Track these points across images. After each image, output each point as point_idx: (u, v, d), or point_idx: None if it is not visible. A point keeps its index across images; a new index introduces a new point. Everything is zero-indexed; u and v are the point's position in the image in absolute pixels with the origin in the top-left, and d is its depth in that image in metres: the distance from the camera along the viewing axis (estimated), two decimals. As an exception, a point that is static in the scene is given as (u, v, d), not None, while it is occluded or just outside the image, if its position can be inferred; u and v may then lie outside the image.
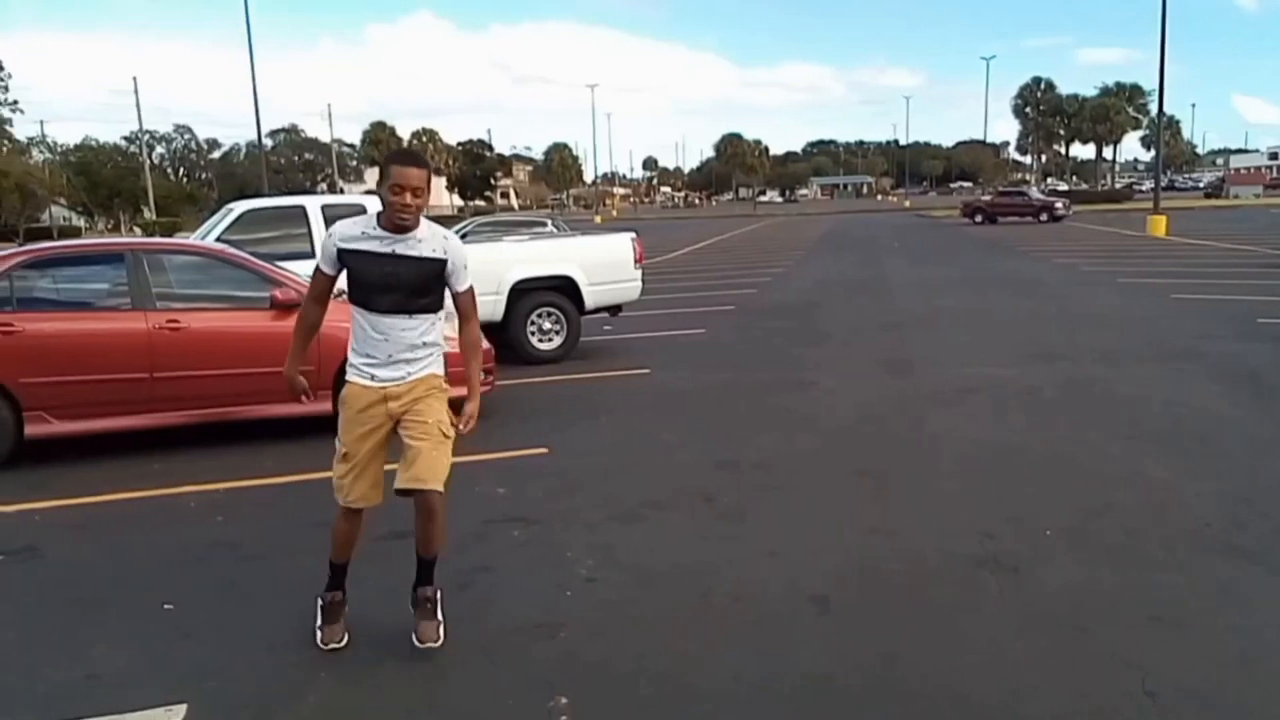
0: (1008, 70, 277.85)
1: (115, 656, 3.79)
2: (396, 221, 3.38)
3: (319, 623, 3.78)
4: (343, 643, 3.72)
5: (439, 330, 3.64)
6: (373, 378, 3.52)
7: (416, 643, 3.59)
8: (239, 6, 37.49)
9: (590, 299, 10.87)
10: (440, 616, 3.66)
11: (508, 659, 3.65)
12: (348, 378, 3.56)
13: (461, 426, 3.66)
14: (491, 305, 10.31)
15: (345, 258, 3.45)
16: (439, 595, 3.70)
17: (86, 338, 6.78)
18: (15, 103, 79.42)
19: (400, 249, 3.41)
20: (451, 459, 3.67)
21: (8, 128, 79.46)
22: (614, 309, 11.57)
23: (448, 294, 3.61)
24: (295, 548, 4.99)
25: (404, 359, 3.53)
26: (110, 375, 6.69)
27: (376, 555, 4.82)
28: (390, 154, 3.53)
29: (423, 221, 3.48)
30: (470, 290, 3.62)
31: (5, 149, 74.48)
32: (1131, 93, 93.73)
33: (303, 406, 7.09)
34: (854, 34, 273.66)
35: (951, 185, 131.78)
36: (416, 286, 3.45)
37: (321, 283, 3.59)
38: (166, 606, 4.26)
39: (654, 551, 4.75)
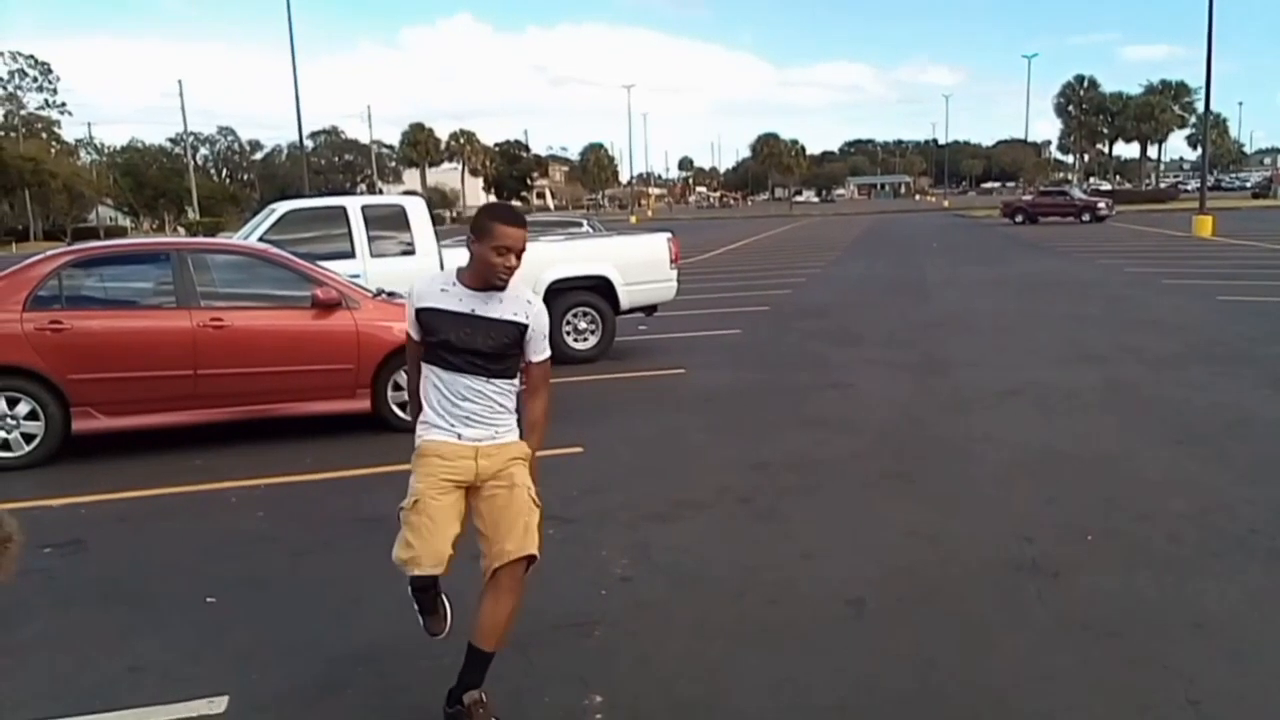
0: (1050, 68, 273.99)
1: (159, 648, 3.86)
2: (495, 283, 3.08)
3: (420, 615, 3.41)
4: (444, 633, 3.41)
5: (514, 390, 3.25)
6: (460, 436, 3.15)
7: None
8: (282, 11, 38.09)
9: (625, 299, 10.88)
10: None
11: (543, 657, 3.67)
12: (426, 437, 3.19)
13: None
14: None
15: (422, 316, 3.14)
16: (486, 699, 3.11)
17: (133, 335, 6.91)
18: (64, 105, 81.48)
19: (480, 310, 3.09)
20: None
21: (56, 129, 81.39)
22: (649, 309, 11.57)
23: None
24: (334, 543, 5.06)
25: (486, 420, 3.15)
26: (155, 372, 6.81)
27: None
28: (492, 210, 3.16)
29: (509, 285, 3.14)
30: (546, 362, 3.26)
31: (54, 150, 76.21)
32: (1177, 90, 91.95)
33: (342, 404, 7.26)
34: (893, 32, 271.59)
35: (988, 185, 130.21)
36: (494, 350, 3.11)
37: (413, 349, 3.28)
38: (209, 600, 4.33)
39: (689, 552, 4.75)
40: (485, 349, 3.09)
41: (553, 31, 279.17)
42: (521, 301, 3.15)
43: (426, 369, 3.18)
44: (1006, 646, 3.63)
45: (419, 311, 3.15)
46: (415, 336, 3.22)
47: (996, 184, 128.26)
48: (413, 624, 3.93)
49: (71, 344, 6.67)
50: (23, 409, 6.60)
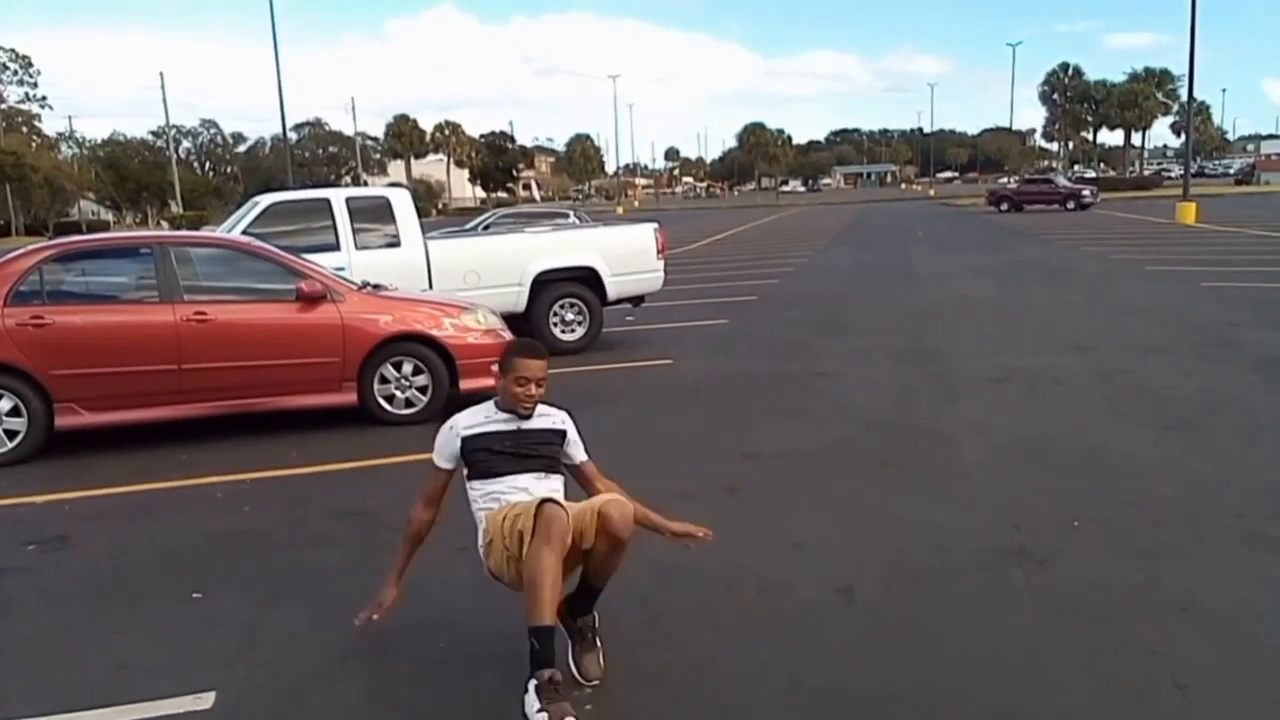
0: (1035, 56, 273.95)
1: (144, 645, 3.83)
2: (521, 411, 3.52)
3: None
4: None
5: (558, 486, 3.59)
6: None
7: (580, 678, 3.34)
8: (264, 2, 37.76)
9: (613, 290, 10.86)
10: (600, 644, 3.45)
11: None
12: (500, 516, 3.34)
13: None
14: (514, 296, 10.34)
15: (471, 442, 3.49)
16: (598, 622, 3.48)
17: (115, 330, 6.86)
18: (44, 99, 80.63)
19: (524, 425, 3.55)
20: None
21: (37, 123, 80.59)
22: (636, 300, 11.56)
23: None
24: (320, 537, 5.03)
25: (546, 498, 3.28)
26: (139, 367, 6.76)
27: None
28: (513, 345, 3.64)
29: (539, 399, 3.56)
30: (591, 462, 3.74)
31: (35, 144, 75.45)
32: (1161, 78, 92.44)
33: (328, 398, 7.22)
34: (880, 21, 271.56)
35: (971, 175, 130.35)
36: (542, 452, 3.56)
37: (439, 480, 3.58)
38: (195, 595, 4.30)
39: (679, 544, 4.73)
40: (535, 451, 3.54)
41: (538, 21, 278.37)
42: (557, 415, 3.66)
43: (481, 486, 3.50)
44: (995, 633, 3.64)
45: (466, 439, 3.50)
46: (447, 466, 3.55)
47: (967, 174, 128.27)
48: (400, 618, 3.92)
49: (53, 339, 6.61)
50: (5, 405, 6.55)
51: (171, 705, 3.30)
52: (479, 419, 3.55)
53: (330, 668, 3.57)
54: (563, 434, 3.63)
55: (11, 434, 6.58)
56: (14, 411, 6.56)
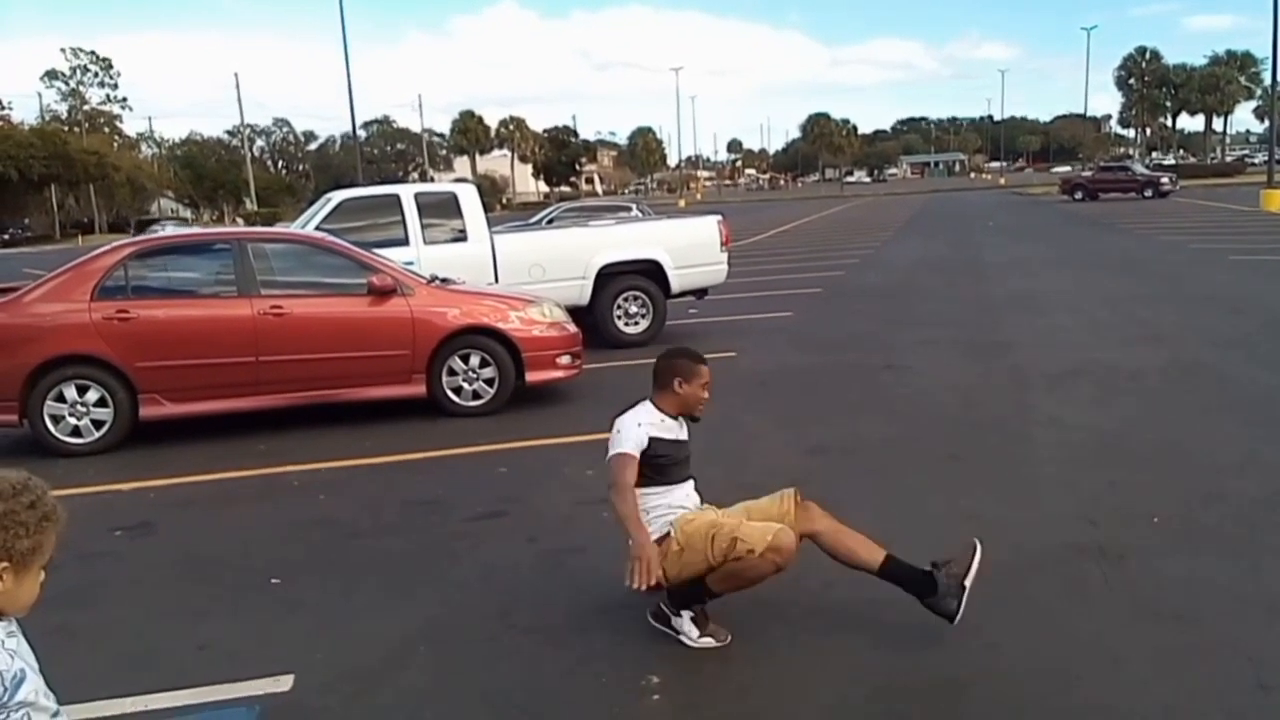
0: (1110, 41, 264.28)
1: (225, 628, 3.96)
2: (697, 415, 3.81)
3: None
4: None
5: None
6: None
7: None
8: (333, 3, 38.49)
9: (676, 282, 10.85)
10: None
11: (600, 638, 3.69)
12: (677, 522, 3.64)
13: None
14: (578, 289, 10.40)
15: (654, 444, 3.65)
16: None
17: (196, 323, 7.08)
18: (125, 100, 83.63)
19: (684, 435, 3.80)
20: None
21: (118, 124, 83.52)
22: (700, 292, 11.53)
23: None
24: (393, 525, 5.14)
25: (691, 505, 3.76)
26: (218, 359, 6.97)
27: (470, 536, 4.93)
28: (687, 353, 3.87)
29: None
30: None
31: (116, 144, 78.19)
32: (1243, 61, 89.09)
33: (398, 389, 7.35)
34: (944, 7, 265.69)
35: (1040, 165, 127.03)
36: (689, 460, 3.84)
37: (633, 466, 3.62)
38: (273, 581, 4.42)
39: (744, 535, 4.73)
40: (687, 460, 3.81)
41: (598, 16, 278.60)
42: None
43: (660, 493, 3.68)
44: (1072, 631, 3.56)
45: (653, 439, 3.64)
46: (636, 453, 3.60)
47: (1039, 163, 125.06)
48: (472, 604, 3.99)
49: (137, 333, 6.85)
50: (92, 396, 6.80)
51: (252, 687, 3.41)
52: (657, 420, 3.69)
53: (404, 652, 3.65)
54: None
55: (99, 424, 6.83)
56: (101, 402, 6.81)
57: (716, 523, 3.54)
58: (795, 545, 3.47)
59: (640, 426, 3.66)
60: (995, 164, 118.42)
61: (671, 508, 3.67)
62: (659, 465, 3.66)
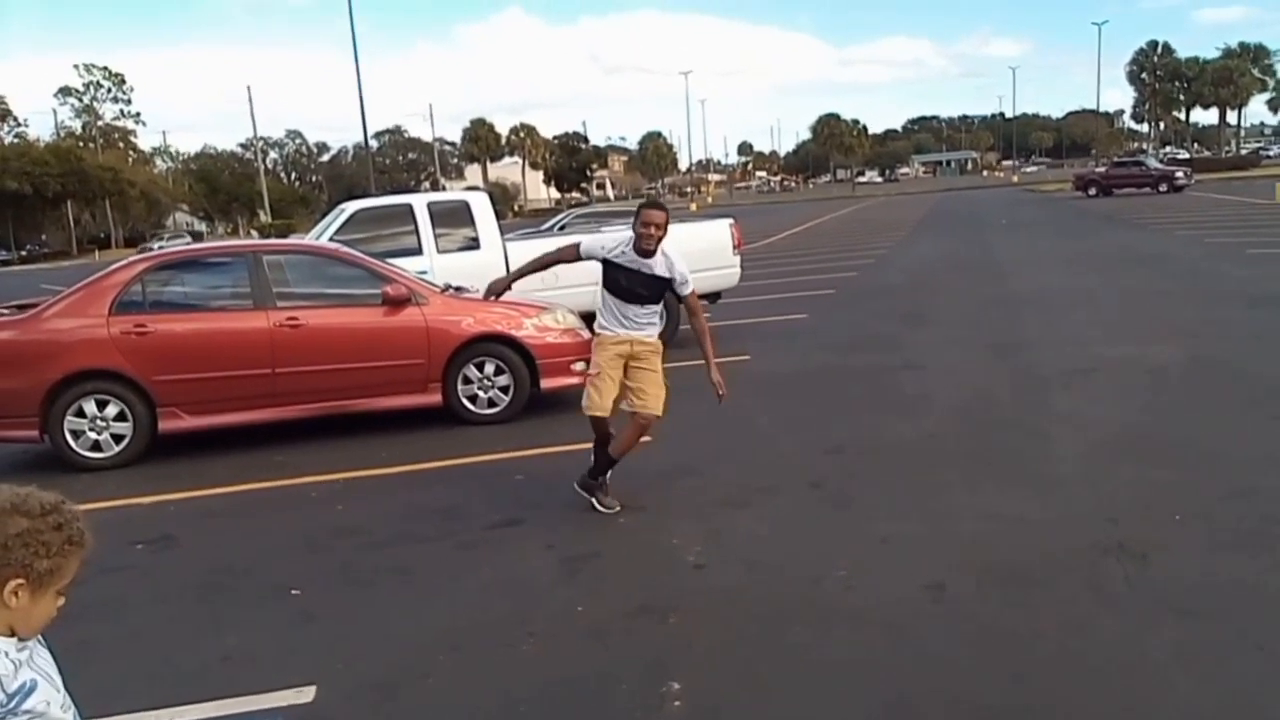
0: (1121, 35, 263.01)
1: (247, 639, 3.97)
2: (643, 248, 4.94)
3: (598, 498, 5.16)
4: (617, 508, 5.11)
5: (660, 312, 5.26)
6: (620, 330, 5.09)
7: (601, 508, 5.11)
8: (342, 16, 38.73)
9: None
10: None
11: (620, 643, 3.69)
12: (601, 331, 5.16)
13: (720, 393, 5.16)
14: (591, 295, 10.35)
15: (607, 265, 5.02)
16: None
17: (213, 336, 7.12)
18: (138, 115, 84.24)
19: (643, 269, 4.98)
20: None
21: (132, 139, 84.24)
22: (713, 296, 11.50)
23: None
24: (411, 535, 5.15)
25: (639, 324, 5.12)
26: (235, 371, 7.00)
27: (487, 544, 4.94)
28: (642, 203, 5.26)
29: (659, 250, 4.97)
30: (693, 293, 5.17)
31: (131, 159, 78.86)
32: (1256, 53, 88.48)
33: (414, 399, 7.37)
34: (955, 4, 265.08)
35: (1040, 160, 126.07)
36: (651, 292, 5.07)
37: (570, 254, 5.22)
38: (294, 591, 4.44)
39: (762, 538, 4.73)
40: (646, 290, 5.04)
41: (605, 21, 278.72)
42: (668, 263, 5.01)
43: (607, 295, 5.11)
44: (1094, 631, 3.53)
45: (606, 261, 5.03)
46: (582, 256, 5.15)
47: (1054, 159, 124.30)
48: (491, 612, 4.00)
49: (155, 346, 6.89)
50: (111, 410, 6.84)
51: (276, 698, 3.42)
52: (618, 250, 5.01)
53: (425, 660, 3.65)
54: (669, 280, 5.03)
55: (118, 438, 6.87)
56: (120, 417, 6.85)
57: (603, 371, 5.07)
58: (603, 408, 5.08)
59: (603, 249, 5.06)
60: (1008, 161, 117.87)
61: (619, 322, 5.11)
62: (611, 282, 5.05)
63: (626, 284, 5.00)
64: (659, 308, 5.19)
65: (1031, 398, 7.23)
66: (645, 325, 5.13)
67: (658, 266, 4.97)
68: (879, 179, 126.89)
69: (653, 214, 4.92)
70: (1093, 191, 43.19)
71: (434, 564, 4.70)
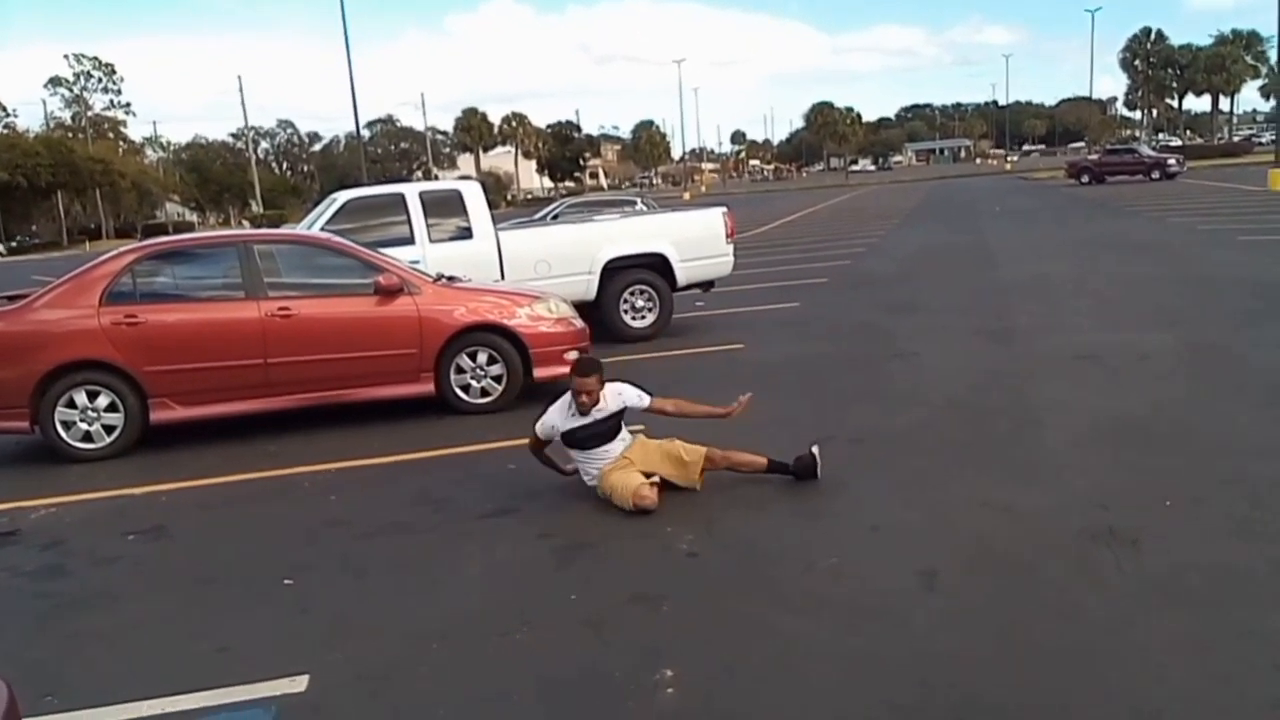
0: (1114, 22, 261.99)
1: (240, 629, 3.97)
2: (583, 405, 5.10)
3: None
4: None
5: (624, 436, 5.31)
6: (603, 467, 5.18)
7: (818, 456, 5.30)
8: (334, 4, 38.51)
9: (682, 275, 10.83)
10: None
11: (613, 631, 3.69)
12: (590, 479, 5.25)
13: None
14: (584, 284, 10.39)
15: (566, 436, 5.19)
16: None
17: (204, 326, 7.09)
18: (128, 105, 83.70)
19: (595, 417, 5.16)
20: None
21: (123, 129, 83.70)
22: (706, 285, 11.51)
23: None
24: (403, 524, 5.15)
25: (613, 456, 5.21)
26: (227, 362, 6.98)
27: (481, 533, 4.94)
28: (578, 363, 5.33)
29: (602, 397, 5.14)
30: (653, 401, 5.39)
31: (121, 150, 78.39)
32: (1249, 40, 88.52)
33: (406, 388, 7.37)
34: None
35: (1031, 147, 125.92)
36: (610, 428, 5.23)
37: (539, 444, 5.37)
38: (286, 582, 4.44)
39: (754, 527, 4.74)
40: (605, 432, 5.20)
41: (594, 9, 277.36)
42: (615, 396, 5.23)
43: (572, 452, 5.28)
44: (1084, 617, 3.55)
45: (563, 434, 5.20)
46: (544, 439, 5.33)
47: (1047, 146, 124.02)
48: (485, 601, 4.01)
49: (147, 337, 6.86)
50: (103, 401, 6.82)
51: (268, 688, 3.42)
52: (565, 416, 5.17)
53: (418, 650, 3.65)
54: (621, 411, 5.24)
55: (110, 429, 6.85)
56: (111, 407, 6.83)
57: (612, 484, 5.03)
58: (654, 497, 4.95)
59: (554, 430, 5.22)
60: (1000, 150, 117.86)
61: (593, 463, 5.20)
62: (575, 441, 5.19)
63: (584, 435, 5.16)
64: (624, 432, 5.30)
65: (1022, 385, 7.25)
66: (618, 450, 5.23)
67: (607, 408, 5.17)
68: (872, 167, 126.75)
69: (583, 382, 5.07)
70: (1085, 179, 43.30)
71: (427, 553, 4.70)
